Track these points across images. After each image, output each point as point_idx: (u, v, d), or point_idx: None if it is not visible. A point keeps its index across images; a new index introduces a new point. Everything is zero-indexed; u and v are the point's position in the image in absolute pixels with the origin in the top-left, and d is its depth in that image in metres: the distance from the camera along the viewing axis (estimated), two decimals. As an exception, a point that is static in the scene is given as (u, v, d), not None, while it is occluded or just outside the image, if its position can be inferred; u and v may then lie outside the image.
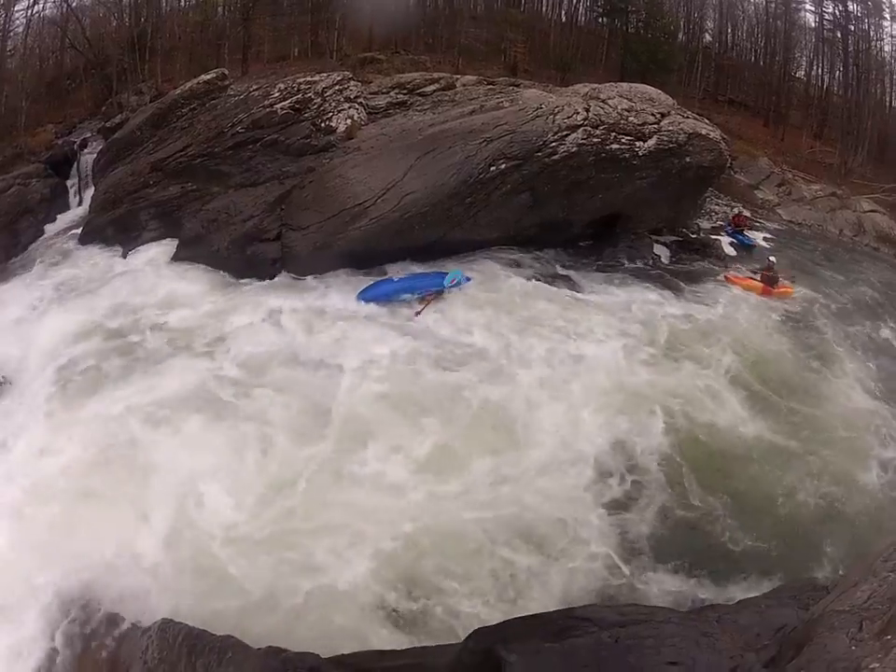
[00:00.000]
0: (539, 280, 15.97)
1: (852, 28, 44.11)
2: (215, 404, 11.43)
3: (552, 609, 7.90)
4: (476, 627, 7.16)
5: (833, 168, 37.44)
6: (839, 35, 45.09)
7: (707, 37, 44.89)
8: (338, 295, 14.57)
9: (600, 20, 40.19)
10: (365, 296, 14.53)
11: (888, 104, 45.14)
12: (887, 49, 44.93)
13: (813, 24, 46.18)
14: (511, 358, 13.11)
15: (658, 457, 11.52)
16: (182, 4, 35.51)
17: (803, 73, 46.96)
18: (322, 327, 13.55)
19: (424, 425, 11.27)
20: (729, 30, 46.63)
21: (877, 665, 5.41)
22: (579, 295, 15.76)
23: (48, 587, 8.60)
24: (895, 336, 17.66)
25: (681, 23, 41.97)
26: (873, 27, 44.18)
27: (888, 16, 44.05)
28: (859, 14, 43.94)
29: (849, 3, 43.58)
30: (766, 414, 12.99)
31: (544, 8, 40.56)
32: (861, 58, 43.60)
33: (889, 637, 5.69)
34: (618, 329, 14.49)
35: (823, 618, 6.37)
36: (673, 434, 12.00)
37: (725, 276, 18.36)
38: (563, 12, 40.89)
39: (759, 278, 18.19)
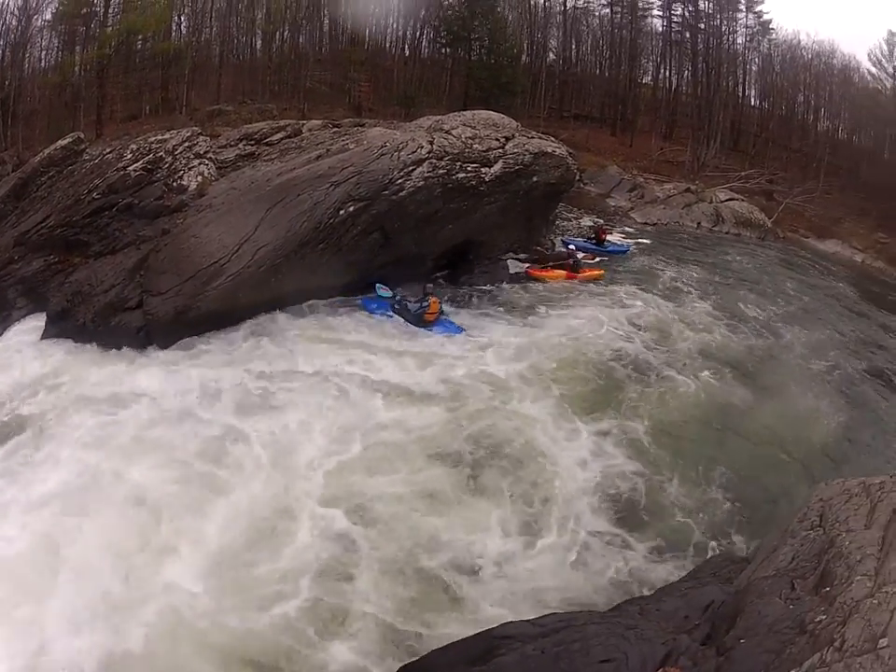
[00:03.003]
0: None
1: (702, 26, 46.50)
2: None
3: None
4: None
5: (686, 165, 39.32)
6: (688, 35, 47.44)
7: (551, 55, 46.34)
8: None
9: (443, 50, 40.91)
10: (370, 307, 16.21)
11: (740, 95, 47.71)
12: (740, 40, 47.86)
13: (660, 28, 48.55)
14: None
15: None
16: (42, 65, 34.93)
17: (650, 78, 49.19)
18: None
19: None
20: (573, 46, 48.28)
21: (824, 616, 5.58)
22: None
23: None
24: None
25: (525, 45, 43.23)
26: (725, 21, 46.61)
27: (742, 7, 46.69)
28: (710, 11, 46.28)
29: (700, 2, 45.68)
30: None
31: (387, 44, 41.17)
32: (712, 54, 45.98)
33: (827, 589, 5.92)
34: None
35: (751, 586, 6.57)
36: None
37: (526, 271, 19.69)
38: (406, 46, 41.55)
39: (562, 267, 19.70)
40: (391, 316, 16.16)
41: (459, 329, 16.15)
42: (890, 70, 45.84)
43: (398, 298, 16.55)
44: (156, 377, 13.73)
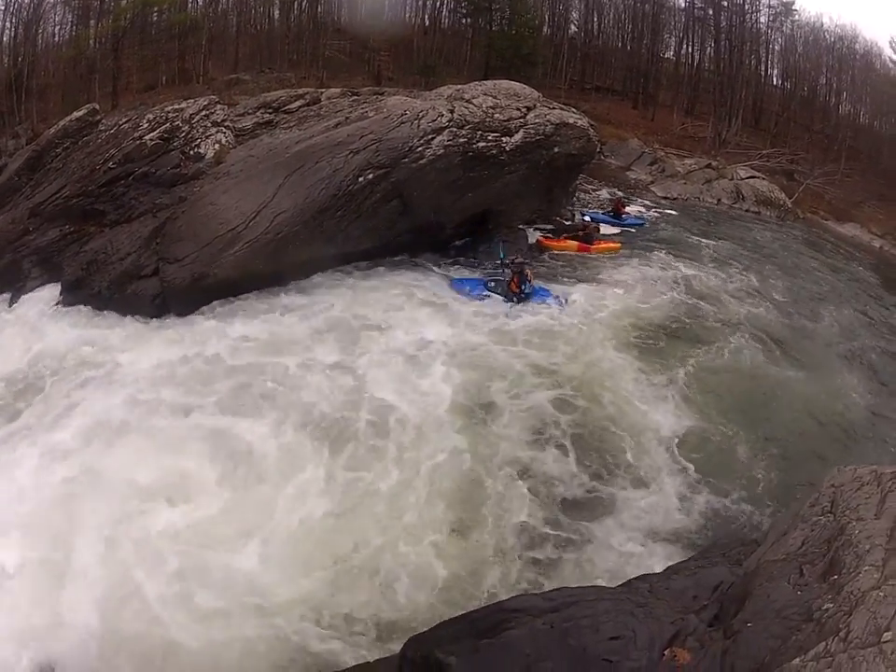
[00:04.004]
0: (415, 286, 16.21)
1: (725, 3, 45.88)
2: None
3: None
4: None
5: (707, 141, 38.91)
6: (710, 11, 46.84)
7: (573, 28, 45.87)
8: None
9: (464, 20, 40.55)
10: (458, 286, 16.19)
11: (762, 73, 47.17)
12: (762, 20, 47.14)
13: (683, 4, 47.94)
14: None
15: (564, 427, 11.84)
16: (56, 40, 34.89)
17: (672, 53, 48.62)
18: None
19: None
20: (595, 18, 47.71)
21: (831, 605, 5.47)
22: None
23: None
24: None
25: (546, 17, 42.79)
26: (748, 1, 45.89)
27: None
28: (734, -12, 45.55)
29: (724, -22, 44.63)
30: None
31: (407, 14, 40.78)
32: (735, 31, 45.36)
33: (835, 577, 5.77)
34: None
35: (760, 569, 6.41)
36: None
37: (538, 240, 19.42)
38: (426, 16, 41.15)
39: (575, 238, 19.39)
40: (488, 296, 15.90)
41: (547, 293, 16.17)
42: (912, 59, 45.52)
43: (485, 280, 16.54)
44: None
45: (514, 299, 15.65)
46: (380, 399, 12.01)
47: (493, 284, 16.20)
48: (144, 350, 13.50)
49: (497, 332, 14.51)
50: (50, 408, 11.97)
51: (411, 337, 13.93)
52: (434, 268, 17.30)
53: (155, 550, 9.09)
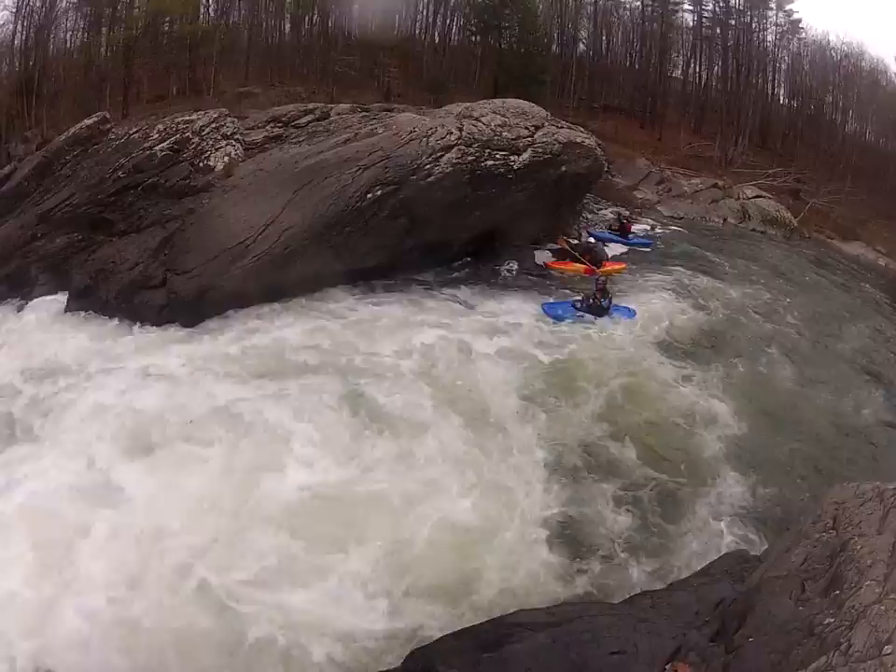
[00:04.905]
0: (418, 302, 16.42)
1: (732, 22, 46.10)
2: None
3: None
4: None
5: (714, 160, 39.06)
6: (718, 30, 47.04)
7: (581, 46, 46.09)
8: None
9: (473, 38, 40.73)
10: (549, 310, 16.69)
11: (769, 92, 47.36)
12: (770, 38, 47.39)
13: (691, 24, 48.28)
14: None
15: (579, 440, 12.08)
16: (68, 46, 35.06)
17: (680, 72, 48.85)
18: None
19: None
20: (603, 37, 47.92)
21: (832, 620, 5.50)
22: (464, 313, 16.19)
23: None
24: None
25: (555, 35, 42.99)
26: (755, 18, 46.17)
27: (773, 4, 46.21)
28: (741, 7, 45.83)
29: (730, -2, 44.59)
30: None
31: (417, 31, 41.01)
32: (742, 50, 45.59)
33: (836, 592, 5.80)
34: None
35: (762, 585, 6.45)
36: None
37: (545, 263, 19.60)
38: (436, 33, 41.37)
39: (582, 260, 19.55)
40: (582, 316, 16.50)
41: (628, 311, 17.02)
42: (918, 77, 45.75)
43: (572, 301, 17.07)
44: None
45: (598, 313, 16.51)
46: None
47: (579, 304, 16.73)
48: (149, 357, 13.52)
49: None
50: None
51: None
52: (438, 288, 17.42)
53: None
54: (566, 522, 10.33)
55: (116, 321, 15.05)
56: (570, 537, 10.12)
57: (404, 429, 11.41)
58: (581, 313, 16.53)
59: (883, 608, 5.34)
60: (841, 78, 47.59)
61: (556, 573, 9.41)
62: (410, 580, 8.84)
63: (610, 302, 16.75)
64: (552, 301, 17.22)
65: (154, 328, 14.73)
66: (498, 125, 19.11)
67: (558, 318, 16.31)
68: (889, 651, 4.97)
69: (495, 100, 21.93)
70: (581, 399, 13.12)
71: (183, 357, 13.35)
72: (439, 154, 17.24)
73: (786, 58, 49.07)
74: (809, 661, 5.19)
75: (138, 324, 14.88)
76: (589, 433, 12.33)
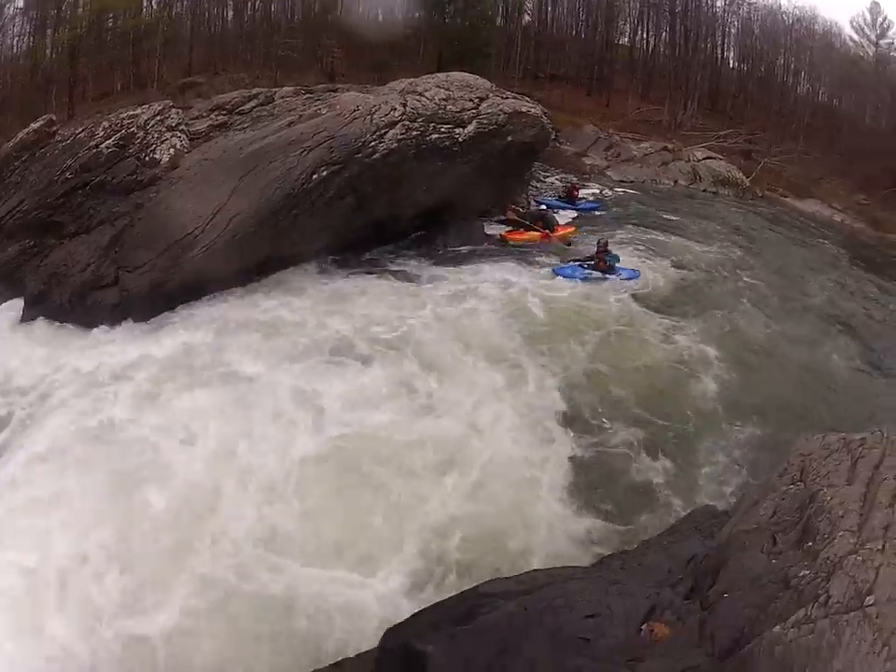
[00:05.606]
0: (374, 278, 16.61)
1: (682, -11, 46.14)
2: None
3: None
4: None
5: (663, 124, 39.36)
6: (667, -2, 47.14)
7: (527, 17, 46.03)
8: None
9: (417, 14, 40.52)
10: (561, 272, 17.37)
11: (719, 56, 47.69)
12: (719, 3, 47.77)
13: (638, -10, 48.11)
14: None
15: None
16: (14, 52, 34.57)
17: (627, 39, 48.91)
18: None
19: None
20: (549, 7, 47.83)
21: (807, 571, 5.46)
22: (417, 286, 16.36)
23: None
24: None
25: (499, 7, 42.91)
26: (706, -14, 46.25)
27: None
28: (690, -27, 45.89)
29: (682, -36, 44.88)
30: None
31: (360, 9, 40.71)
32: (691, 16, 45.74)
33: (809, 543, 5.78)
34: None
35: (732, 540, 6.43)
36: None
37: (500, 235, 19.84)
38: (380, 11, 41.13)
39: (535, 227, 19.88)
40: (590, 274, 17.33)
41: (632, 272, 17.88)
42: (873, 38, 46.61)
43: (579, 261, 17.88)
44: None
45: (604, 272, 17.39)
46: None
47: (587, 265, 17.54)
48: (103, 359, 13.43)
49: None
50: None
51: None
52: (391, 263, 17.57)
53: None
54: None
55: (70, 326, 14.88)
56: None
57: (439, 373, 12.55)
58: (588, 271, 17.26)
59: (860, 558, 5.34)
60: (793, 42, 48.09)
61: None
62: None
63: (616, 261, 17.57)
64: (561, 265, 17.87)
65: (108, 328, 14.61)
66: (443, 99, 19.16)
67: (570, 278, 17.01)
68: (871, 602, 4.95)
69: (438, 74, 22.03)
70: (583, 341, 14.20)
71: (139, 356, 13.32)
72: (383, 131, 17.24)
73: (736, 23, 49.36)
74: (788, 613, 5.17)
75: (94, 326, 14.70)
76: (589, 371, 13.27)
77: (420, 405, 11.83)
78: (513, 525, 9.74)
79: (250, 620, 8.38)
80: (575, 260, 17.88)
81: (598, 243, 17.92)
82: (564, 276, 17.13)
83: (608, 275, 17.35)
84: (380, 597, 8.71)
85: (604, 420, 12.04)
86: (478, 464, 10.56)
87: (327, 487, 10.11)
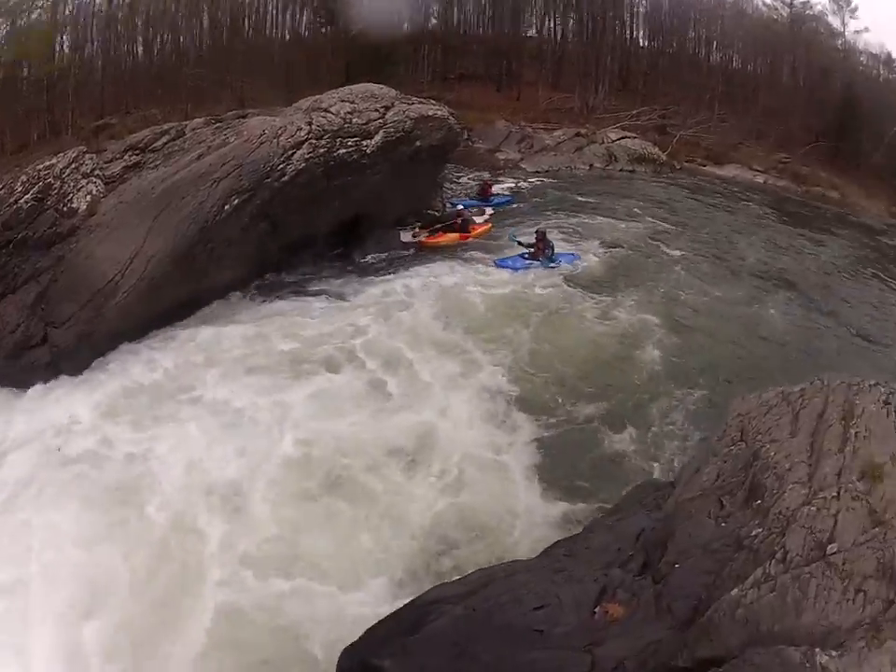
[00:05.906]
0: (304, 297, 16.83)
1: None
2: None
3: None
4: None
5: (575, 111, 39.94)
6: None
7: (433, 21, 46.30)
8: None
9: (323, 30, 40.61)
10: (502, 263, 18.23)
11: (628, 37, 48.32)
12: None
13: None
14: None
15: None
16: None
17: (535, 31, 49.33)
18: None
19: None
20: (455, 9, 48.06)
21: (760, 530, 5.49)
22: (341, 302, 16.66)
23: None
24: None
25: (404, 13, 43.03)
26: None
27: None
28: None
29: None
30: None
31: (268, 31, 40.72)
32: (597, 2, 46.23)
33: (758, 502, 5.82)
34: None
35: (678, 510, 6.50)
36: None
37: (420, 242, 20.16)
38: (286, 30, 41.15)
39: (451, 229, 20.32)
40: (531, 264, 18.22)
41: (571, 256, 18.90)
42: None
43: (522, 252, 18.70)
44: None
45: (544, 261, 18.23)
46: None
47: (528, 255, 18.42)
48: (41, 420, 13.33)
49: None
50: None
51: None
52: (313, 284, 17.78)
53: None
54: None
55: (6, 390, 14.62)
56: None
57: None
58: (529, 261, 18.00)
59: (815, 508, 5.38)
60: (702, 14, 48.86)
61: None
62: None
63: (553, 251, 18.28)
64: (503, 257, 18.64)
65: (42, 385, 14.45)
66: (348, 112, 19.47)
67: (512, 269, 17.75)
68: (834, 550, 5.00)
69: (343, 88, 22.21)
70: (527, 324, 15.05)
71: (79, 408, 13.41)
72: (290, 152, 17.49)
73: (644, 3, 49.88)
74: (745, 574, 5.23)
75: (29, 386, 14.49)
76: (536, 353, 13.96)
77: (388, 404, 12.41)
78: (497, 514, 10.20)
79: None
80: (520, 252, 18.61)
81: (537, 232, 18.70)
82: (505, 267, 17.85)
83: (549, 263, 18.11)
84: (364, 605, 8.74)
85: (558, 398, 12.70)
86: (452, 453, 11.11)
87: (303, 497, 10.36)
